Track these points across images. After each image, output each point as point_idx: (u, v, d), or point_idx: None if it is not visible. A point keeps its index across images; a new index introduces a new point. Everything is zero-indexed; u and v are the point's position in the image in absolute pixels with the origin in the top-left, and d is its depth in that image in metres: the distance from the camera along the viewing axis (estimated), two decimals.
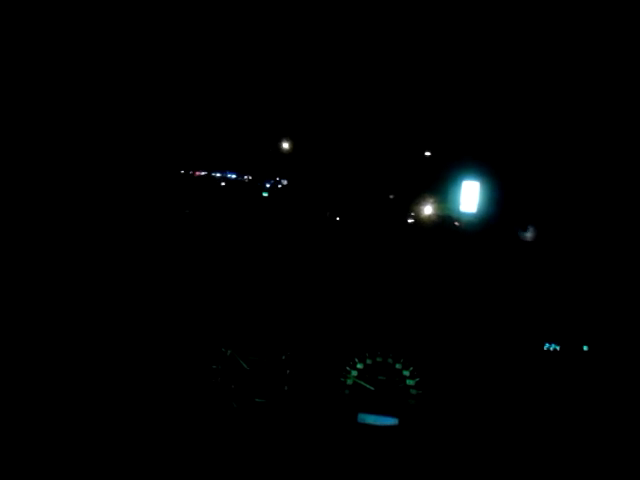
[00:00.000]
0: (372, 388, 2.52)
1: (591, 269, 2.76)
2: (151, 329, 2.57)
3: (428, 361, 2.52)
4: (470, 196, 3.24)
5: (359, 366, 2.54)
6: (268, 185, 3.54)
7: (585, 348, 2.57)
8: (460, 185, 3.25)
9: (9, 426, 2.32)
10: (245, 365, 2.54)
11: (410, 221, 3.40)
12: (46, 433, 2.33)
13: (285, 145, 3.45)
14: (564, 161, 3.01)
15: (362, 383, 2.52)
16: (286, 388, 2.52)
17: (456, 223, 3.34)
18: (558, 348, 2.57)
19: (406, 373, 2.52)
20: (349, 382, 2.53)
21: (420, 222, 3.36)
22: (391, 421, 2.48)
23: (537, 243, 3.09)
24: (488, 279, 2.76)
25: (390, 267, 2.84)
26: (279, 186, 3.58)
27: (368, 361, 2.54)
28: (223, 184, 3.50)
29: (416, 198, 3.36)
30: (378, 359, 2.54)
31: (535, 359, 2.55)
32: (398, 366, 2.53)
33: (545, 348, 2.57)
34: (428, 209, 3.37)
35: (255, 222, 3.25)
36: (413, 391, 2.50)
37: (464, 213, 3.27)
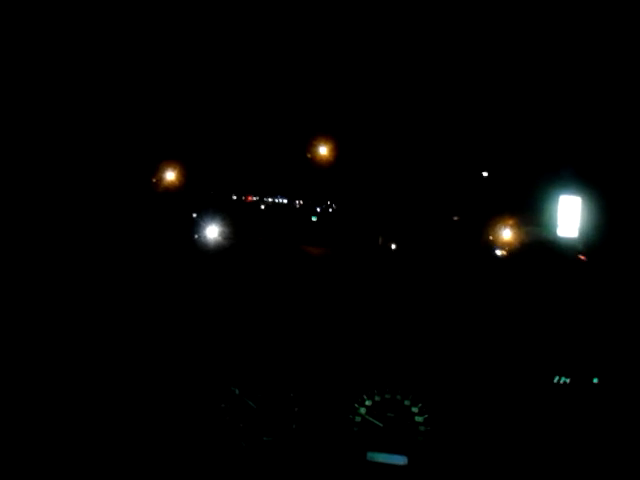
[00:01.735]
0: (381, 425, 2.50)
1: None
2: (161, 366, 2.59)
3: (437, 397, 2.50)
4: (569, 215, 2.52)
5: (367, 403, 2.53)
6: (318, 209, 3.58)
7: (595, 380, 2.55)
8: (555, 202, 2.56)
9: (9, 426, 2.33)
10: (252, 404, 2.54)
11: (480, 247, 2.93)
12: (45, 434, 2.32)
13: (337, 168, 3.40)
14: None
15: (371, 419, 2.50)
16: (294, 426, 2.50)
17: (553, 250, 2.68)
18: (568, 381, 2.55)
19: (415, 410, 2.50)
20: (357, 419, 2.52)
21: (497, 249, 2.85)
22: (400, 459, 2.45)
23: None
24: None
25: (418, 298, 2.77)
26: (330, 210, 3.60)
27: (377, 398, 2.53)
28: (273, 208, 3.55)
29: (491, 219, 2.84)
30: (387, 396, 2.53)
31: (545, 393, 2.53)
32: (407, 402, 2.51)
33: (555, 381, 2.55)
34: (508, 233, 2.79)
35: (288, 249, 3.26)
36: (422, 428, 2.48)
37: (562, 238, 2.59)
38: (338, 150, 3.29)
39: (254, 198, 3.59)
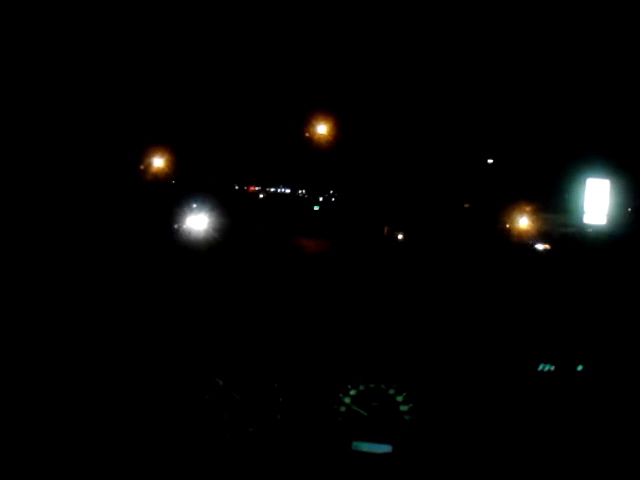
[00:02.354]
0: (365, 414, 2.49)
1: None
2: (145, 357, 2.57)
3: (421, 386, 2.50)
4: (597, 201, 2.16)
5: (352, 392, 2.52)
6: (321, 199, 3.51)
7: (579, 368, 2.55)
8: (581, 186, 2.20)
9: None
10: (237, 395, 2.53)
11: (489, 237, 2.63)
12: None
13: (339, 151, 3.28)
14: None
15: (355, 409, 2.50)
16: (279, 417, 2.50)
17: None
18: (552, 368, 2.55)
19: (399, 399, 2.50)
20: (342, 409, 2.51)
21: (512, 239, 2.52)
22: (385, 448, 2.45)
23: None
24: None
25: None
26: (332, 199, 3.50)
27: (361, 387, 2.53)
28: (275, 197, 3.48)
29: (507, 206, 2.57)
30: (371, 385, 2.52)
31: (530, 381, 2.53)
32: (391, 392, 2.51)
33: (539, 369, 2.55)
34: (525, 221, 2.50)
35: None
36: (407, 417, 2.48)
37: (589, 226, 2.26)
38: (340, 131, 3.14)
39: (256, 188, 3.53)
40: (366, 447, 2.46)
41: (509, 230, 2.62)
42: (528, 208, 2.54)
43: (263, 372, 2.54)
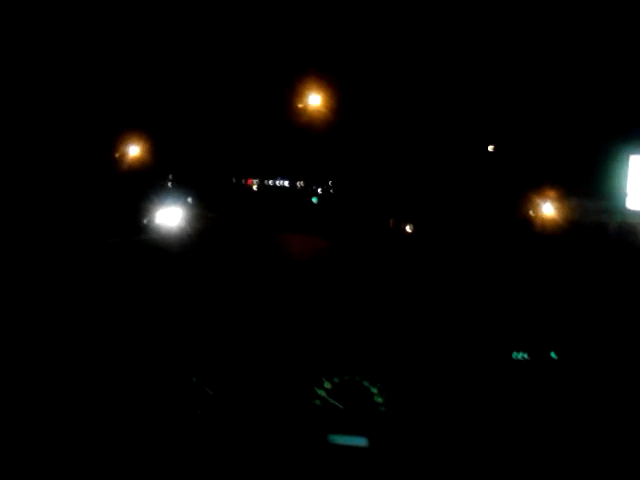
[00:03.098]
0: (341, 406, 2.47)
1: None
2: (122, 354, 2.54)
3: (396, 377, 2.49)
4: None
5: (327, 385, 2.50)
6: (320, 190, 3.37)
7: (553, 355, 2.56)
8: (622, 165, 1.75)
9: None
10: (210, 391, 2.50)
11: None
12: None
13: (337, 133, 3.06)
14: None
15: (331, 401, 2.47)
16: (254, 412, 2.46)
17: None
18: (527, 356, 2.56)
19: (374, 390, 2.48)
20: (317, 402, 2.49)
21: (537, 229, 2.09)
22: (361, 441, 2.41)
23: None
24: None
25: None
26: (331, 191, 3.34)
27: (336, 380, 2.51)
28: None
29: (528, 190, 2.12)
30: (346, 377, 2.51)
31: (504, 369, 2.53)
32: (366, 383, 2.50)
33: (514, 357, 2.56)
34: (550, 208, 2.02)
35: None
36: (382, 408, 2.46)
37: (633, 213, 1.80)
38: (338, 107, 2.89)
39: (254, 181, 3.44)
40: (342, 440, 2.42)
41: (532, 219, 2.24)
42: (553, 193, 2.11)
43: (237, 367, 2.52)
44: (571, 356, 2.54)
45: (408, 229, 2.55)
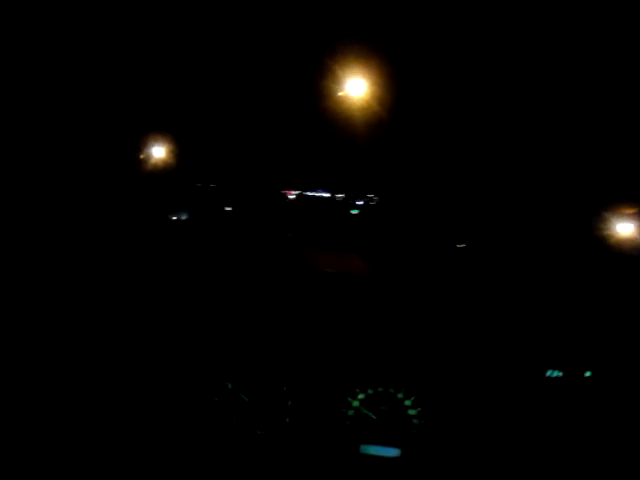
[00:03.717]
0: (374, 417, 2.50)
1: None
2: (155, 360, 2.56)
3: (430, 390, 2.49)
4: None
5: (360, 396, 2.52)
6: (360, 203, 3.23)
7: (588, 374, 2.55)
8: None
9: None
10: (246, 398, 2.53)
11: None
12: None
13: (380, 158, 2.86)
14: None
15: (364, 411, 2.50)
16: (287, 420, 2.51)
17: None
18: (561, 374, 2.54)
19: (408, 403, 2.50)
20: (350, 413, 2.52)
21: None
22: (393, 452, 2.46)
23: None
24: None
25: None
26: (371, 203, 3.17)
27: (369, 391, 2.52)
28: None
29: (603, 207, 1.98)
30: (379, 389, 2.52)
31: (538, 386, 2.53)
32: (400, 396, 2.51)
33: (547, 374, 2.54)
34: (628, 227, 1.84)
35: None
36: (415, 421, 2.49)
37: None
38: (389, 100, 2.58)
39: (293, 192, 3.28)
40: (374, 450, 2.47)
41: (606, 238, 2.06)
42: (631, 208, 1.89)
43: (272, 375, 2.53)
44: (607, 376, 2.53)
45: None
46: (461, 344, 2.56)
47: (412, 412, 2.49)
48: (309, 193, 3.24)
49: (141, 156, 2.83)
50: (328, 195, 3.23)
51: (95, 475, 2.33)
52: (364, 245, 2.85)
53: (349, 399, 2.52)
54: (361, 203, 3.18)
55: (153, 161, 2.86)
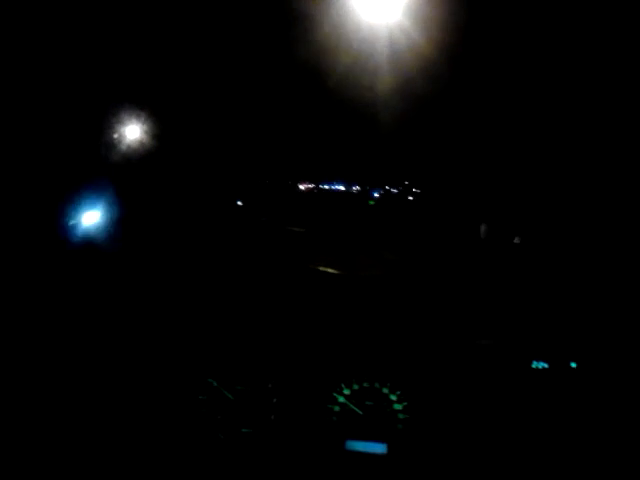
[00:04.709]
0: (360, 412, 2.49)
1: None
2: (138, 357, 2.55)
3: (416, 385, 2.49)
4: None
5: (346, 392, 2.51)
6: (376, 195, 3.15)
7: (573, 365, 2.55)
8: None
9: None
10: (230, 395, 2.52)
11: None
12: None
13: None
14: None
15: (350, 405, 2.49)
16: (273, 417, 2.49)
17: None
18: (546, 366, 2.54)
19: (393, 397, 2.49)
20: (336, 409, 2.50)
21: None
22: (380, 447, 2.44)
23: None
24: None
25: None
26: (394, 192, 3.05)
27: (355, 386, 2.52)
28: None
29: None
30: (365, 384, 2.51)
31: (523, 377, 2.53)
32: (385, 390, 2.50)
33: (533, 366, 2.54)
34: None
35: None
36: (401, 415, 2.48)
37: None
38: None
39: (310, 185, 3.23)
40: (360, 446, 2.45)
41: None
42: None
43: (257, 371, 2.53)
44: (592, 366, 2.53)
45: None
46: (446, 339, 2.56)
47: (398, 407, 2.48)
48: (325, 186, 3.20)
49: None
50: (343, 188, 3.19)
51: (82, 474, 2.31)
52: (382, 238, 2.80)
53: (335, 394, 2.51)
54: (377, 195, 3.13)
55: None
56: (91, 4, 2.54)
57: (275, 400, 2.50)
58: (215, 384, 2.53)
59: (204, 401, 2.51)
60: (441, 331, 2.58)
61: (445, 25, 2.47)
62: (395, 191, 3.06)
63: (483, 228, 2.64)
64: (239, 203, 3.10)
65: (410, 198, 2.91)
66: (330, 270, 2.75)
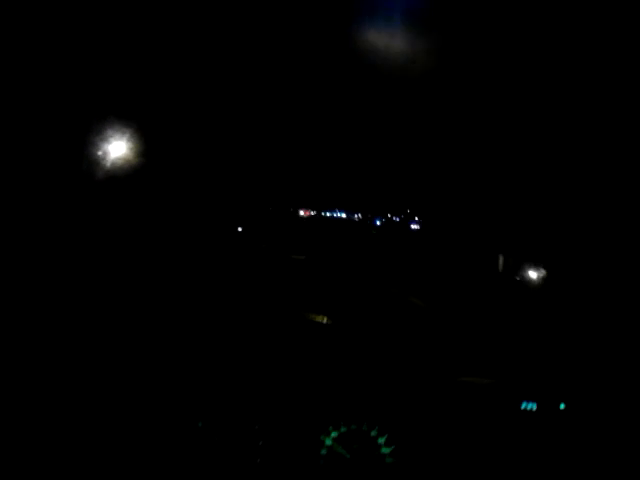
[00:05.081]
0: (347, 456, 2.47)
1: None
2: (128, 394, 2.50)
3: (404, 428, 2.47)
4: None
5: (334, 434, 2.49)
6: (378, 223, 3.15)
7: (562, 406, 2.54)
8: None
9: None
10: (216, 437, 2.48)
11: None
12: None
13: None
14: None
15: (338, 449, 2.47)
16: (259, 460, 2.46)
17: None
18: (535, 407, 2.54)
19: (382, 441, 2.47)
20: (323, 452, 2.48)
21: None
22: None
23: None
24: None
25: None
26: (394, 219, 3.05)
27: (343, 429, 2.49)
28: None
29: None
30: (353, 427, 2.49)
31: (513, 419, 2.52)
32: (373, 433, 2.48)
33: (522, 407, 2.54)
34: None
35: None
36: (389, 459, 2.46)
37: None
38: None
39: (311, 213, 3.18)
40: None
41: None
42: None
43: (243, 413, 2.49)
44: (580, 408, 2.53)
45: (533, 275, 1.78)
46: (432, 381, 2.54)
47: (386, 450, 2.46)
48: (327, 213, 3.17)
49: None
50: (344, 215, 3.15)
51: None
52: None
53: (322, 437, 2.48)
54: (379, 224, 3.09)
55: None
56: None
57: (261, 442, 2.47)
58: (201, 425, 2.48)
59: (190, 443, 2.47)
60: (429, 373, 2.56)
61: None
62: (397, 219, 3.02)
63: (499, 258, 2.55)
64: (239, 229, 3.06)
65: (413, 227, 2.86)
66: (321, 319, 2.71)
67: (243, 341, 2.63)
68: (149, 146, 2.73)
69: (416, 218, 2.96)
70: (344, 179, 2.97)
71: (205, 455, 2.46)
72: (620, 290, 2.36)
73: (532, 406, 2.54)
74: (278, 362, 2.57)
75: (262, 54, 2.71)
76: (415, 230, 2.87)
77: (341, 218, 3.20)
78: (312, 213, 3.23)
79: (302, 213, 3.21)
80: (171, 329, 2.63)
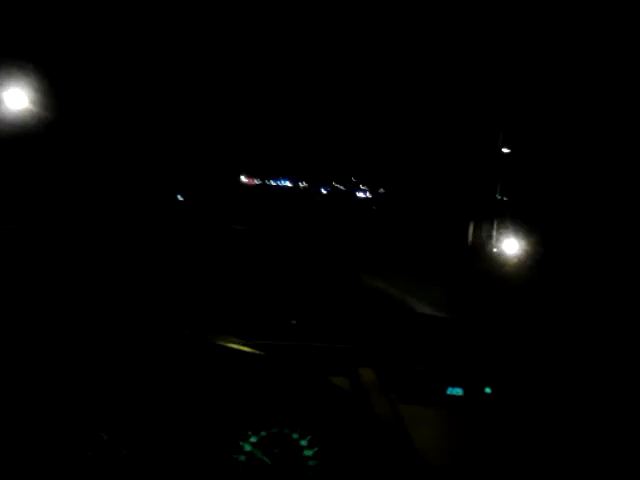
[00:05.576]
0: (268, 461, 2.31)
1: None
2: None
3: (327, 429, 2.35)
4: None
5: (253, 439, 2.33)
6: (324, 191, 3.12)
7: (487, 390, 2.51)
8: None
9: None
10: (124, 450, 2.27)
11: None
12: None
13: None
14: None
15: (258, 454, 2.30)
16: (172, 471, 2.26)
17: None
18: (461, 392, 2.49)
19: (304, 443, 2.34)
20: (242, 458, 2.31)
21: None
22: None
23: None
24: None
25: None
26: (342, 188, 3.06)
27: (262, 433, 2.35)
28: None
29: None
30: (273, 430, 2.35)
31: (439, 405, 2.46)
32: (295, 436, 2.35)
33: (448, 393, 2.49)
34: None
35: None
36: (312, 462, 2.31)
37: None
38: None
39: (256, 181, 3.16)
40: None
41: None
42: None
43: (153, 422, 2.30)
44: (505, 392, 2.49)
45: (508, 247, 1.81)
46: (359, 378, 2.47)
47: (308, 453, 2.32)
48: (272, 182, 3.14)
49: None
50: (290, 184, 3.13)
51: None
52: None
53: (240, 443, 2.32)
54: (325, 192, 3.09)
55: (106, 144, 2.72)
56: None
57: (174, 452, 2.28)
58: (106, 437, 2.28)
59: (94, 457, 2.25)
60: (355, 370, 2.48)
61: None
62: (343, 188, 3.05)
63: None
64: (179, 197, 2.99)
65: (360, 196, 2.94)
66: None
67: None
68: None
69: (361, 186, 3.00)
70: (289, 147, 3.01)
71: (112, 470, 2.24)
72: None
73: (458, 391, 2.49)
74: (192, 360, 2.42)
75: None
76: (363, 199, 2.92)
77: (286, 186, 3.20)
78: (256, 182, 3.20)
79: (245, 180, 3.18)
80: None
